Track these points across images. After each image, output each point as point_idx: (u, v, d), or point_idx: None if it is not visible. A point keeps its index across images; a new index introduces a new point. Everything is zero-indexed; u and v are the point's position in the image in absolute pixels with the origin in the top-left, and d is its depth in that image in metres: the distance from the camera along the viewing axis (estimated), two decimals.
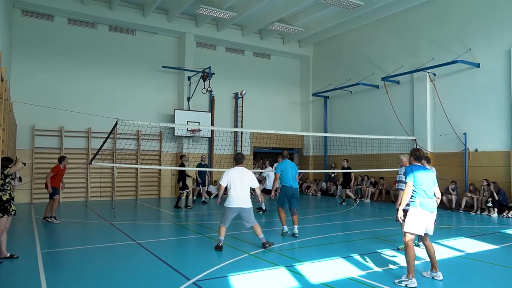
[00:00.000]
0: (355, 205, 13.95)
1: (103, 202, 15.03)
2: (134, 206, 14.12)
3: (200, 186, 14.56)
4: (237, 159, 7.42)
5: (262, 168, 17.77)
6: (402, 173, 6.94)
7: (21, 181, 6.96)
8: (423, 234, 5.35)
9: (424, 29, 15.09)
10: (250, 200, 7.25)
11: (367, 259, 6.44)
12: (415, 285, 5.08)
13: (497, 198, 11.68)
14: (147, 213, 12.40)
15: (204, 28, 17.47)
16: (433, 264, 5.47)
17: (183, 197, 13.30)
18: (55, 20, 15.30)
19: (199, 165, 14.18)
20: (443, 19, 14.45)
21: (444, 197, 13.29)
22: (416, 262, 6.35)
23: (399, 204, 5.64)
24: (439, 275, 5.36)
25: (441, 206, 13.29)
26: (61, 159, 10.53)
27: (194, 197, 15.11)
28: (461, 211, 12.59)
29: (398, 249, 7.11)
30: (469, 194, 12.61)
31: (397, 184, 7.09)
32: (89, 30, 15.95)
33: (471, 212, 12.29)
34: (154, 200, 15.73)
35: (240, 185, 7.09)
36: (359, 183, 16.63)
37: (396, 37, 16.25)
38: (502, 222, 10.62)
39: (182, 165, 12.99)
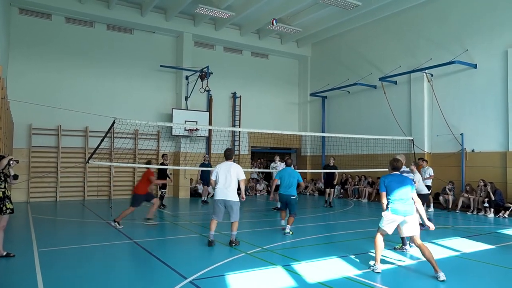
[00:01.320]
0: (326, 206, 13.45)
1: (100, 201, 15.00)
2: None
3: (205, 185, 14.40)
4: (226, 155, 7.70)
5: (261, 168, 17.81)
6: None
7: (16, 179, 6.87)
8: (390, 233, 5.88)
9: (422, 30, 15.14)
10: (236, 194, 7.38)
11: (364, 259, 6.45)
12: (379, 271, 5.67)
13: (493, 199, 11.73)
14: (145, 212, 12.37)
15: (202, 27, 17.45)
16: (432, 265, 5.48)
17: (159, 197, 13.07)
18: (53, 19, 15.26)
19: (202, 165, 14.12)
20: (441, 19, 14.50)
21: (441, 197, 13.35)
22: (412, 262, 6.38)
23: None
24: (440, 276, 5.36)
25: (438, 206, 13.36)
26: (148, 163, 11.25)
27: (205, 198, 14.56)
28: (457, 211, 12.64)
29: (394, 249, 7.13)
30: (466, 195, 12.66)
31: None
32: (87, 29, 15.91)
33: (467, 212, 12.34)
34: None
35: (224, 178, 7.30)
36: (356, 183, 16.67)
37: (394, 38, 16.29)
38: (498, 222, 10.67)
39: (163, 164, 12.93)
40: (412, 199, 5.85)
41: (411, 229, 5.74)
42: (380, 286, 5.11)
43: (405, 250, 7.03)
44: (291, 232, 8.42)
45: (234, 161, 7.79)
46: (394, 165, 6.09)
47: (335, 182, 13.91)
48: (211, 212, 7.56)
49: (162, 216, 11.58)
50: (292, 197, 8.69)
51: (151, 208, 9.77)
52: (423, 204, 9.69)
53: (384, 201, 5.87)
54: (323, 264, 6.15)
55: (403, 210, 5.70)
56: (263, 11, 16.46)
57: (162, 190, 13.35)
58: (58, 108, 13.48)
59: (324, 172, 13.62)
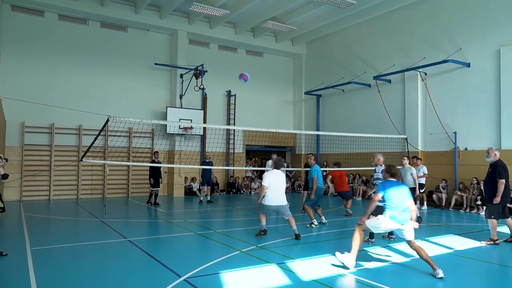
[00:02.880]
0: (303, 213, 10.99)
1: (94, 199, 14.93)
2: (125, 203, 14.05)
3: (205, 184, 13.97)
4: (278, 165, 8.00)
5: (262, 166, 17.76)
6: (380, 172, 7.38)
7: (5, 178, 6.73)
8: (375, 232, 6.17)
9: (416, 29, 15.21)
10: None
11: (358, 256, 6.47)
12: (349, 265, 5.71)
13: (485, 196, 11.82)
14: (139, 211, 12.35)
15: (197, 25, 17.40)
16: (430, 264, 5.53)
17: (153, 195, 13.16)
18: (46, 16, 15.12)
19: (203, 163, 14.01)
20: (435, 18, 14.58)
21: (434, 195, 13.45)
22: (406, 259, 6.42)
23: (366, 212, 6.05)
24: (438, 273, 5.40)
25: (431, 204, 13.46)
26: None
27: (202, 198, 14.36)
28: (450, 209, 12.74)
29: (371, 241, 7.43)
30: (459, 193, 12.76)
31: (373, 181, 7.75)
32: (80, 26, 15.79)
33: (460, 210, 12.44)
34: (145, 197, 15.63)
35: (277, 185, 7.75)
36: (350, 181, 16.73)
37: (388, 36, 16.36)
38: None
39: (153, 162, 12.84)
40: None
41: (407, 235, 5.73)
42: (374, 283, 5.14)
43: (371, 243, 7.45)
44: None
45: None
46: (392, 171, 6.12)
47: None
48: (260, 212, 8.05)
49: (157, 215, 11.55)
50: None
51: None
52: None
53: (375, 201, 5.88)
54: (317, 261, 6.17)
55: (401, 219, 5.70)
56: (258, 10, 16.44)
57: (153, 189, 13.13)
58: (51, 106, 13.39)
59: (305, 173, 12.57)
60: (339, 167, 12.02)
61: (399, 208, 5.71)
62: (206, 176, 13.87)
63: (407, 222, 5.74)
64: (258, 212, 8.17)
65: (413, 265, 6.10)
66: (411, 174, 10.29)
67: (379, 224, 5.81)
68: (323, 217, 9.64)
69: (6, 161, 6.66)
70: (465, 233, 8.73)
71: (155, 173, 13.05)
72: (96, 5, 15.26)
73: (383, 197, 5.82)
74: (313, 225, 9.10)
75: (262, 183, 7.88)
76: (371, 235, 7.42)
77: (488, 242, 7.53)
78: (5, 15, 14.37)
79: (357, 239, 5.84)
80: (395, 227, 5.75)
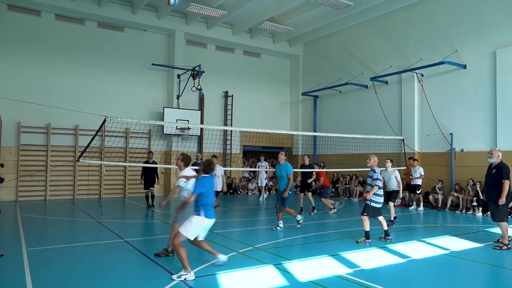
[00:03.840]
0: (312, 214, 11.69)
1: (91, 200, 14.88)
2: (122, 204, 14.01)
3: None
4: (187, 162, 6.53)
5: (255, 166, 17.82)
6: (379, 172, 7.71)
7: (1, 182, 6.81)
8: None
9: (413, 30, 15.27)
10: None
11: (355, 257, 6.50)
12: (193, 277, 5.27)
13: (482, 198, 11.87)
14: (135, 211, 12.31)
15: (194, 26, 17.39)
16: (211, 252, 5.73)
17: (149, 196, 12.81)
18: (42, 16, 15.07)
19: (194, 164, 14.02)
20: (431, 20, 14.64)
21: (431, 196, 13.49)
22: (402, 260, 6.43)
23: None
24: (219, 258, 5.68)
25: (428, 205, 13.50)
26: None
27: None
28: (447, 210, 12.78)
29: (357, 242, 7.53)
30: (455, 194, 12.81)
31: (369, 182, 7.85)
32: (77, 26, 15.75)
33: (456, 211, 12.49)
34: (142, 198, 15.58)
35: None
36: (347, 182, 16.76)
37: (385, 38, 16.41)
38: (486, 221, 10.81)
39: (147, 162, 12.73)
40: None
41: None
42: (370, 284, 5.15)
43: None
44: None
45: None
46: (207, 168, 5.68)
47: (308, 181, 12.01)
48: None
49: (153, 215, 11.53)
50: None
51: None
52: (394, 201, 10.23)
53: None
54: (314, 262, 6.18)
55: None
56: (255, 10, 16.46)
57: (145, 191, 12.89)
58: (47, 106, 13.34)
59: (301, 173, 12.20)
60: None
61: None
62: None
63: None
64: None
65: (410, 266, 6.13)
66: (396, 177, 10.24)
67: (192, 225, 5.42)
68: (281, 221, 8.86)
69: (2, 166, 6.67)
70: (461, 234, 8.76)
71: (147, 174, 12.86)
72: (93, 5, 15.22)
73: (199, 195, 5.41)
74: (300, 222, 9.00)
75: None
76: (367, 235, 7.44)
77: (503, 247, 7.24)
78: (1, 15, 14.30)
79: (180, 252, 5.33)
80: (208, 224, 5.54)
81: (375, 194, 7.58)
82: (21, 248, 6.86)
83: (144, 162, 12.83)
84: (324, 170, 13.15)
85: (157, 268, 5.82)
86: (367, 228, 7.50)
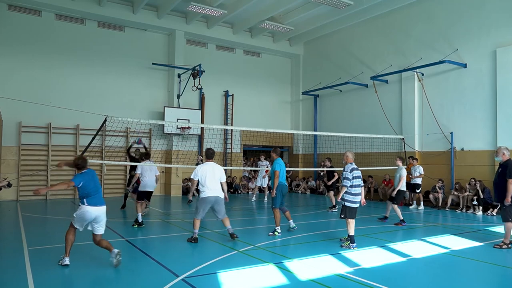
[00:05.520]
0: (328, 211, 12.22)
1: None
2: (123, 203, 14.01)
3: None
4: (208, 155, 7.82)
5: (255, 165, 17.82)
6: (349, 170, 7.23)
7: (10, 187, 7.01)
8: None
9: (413, 29, 15.27)
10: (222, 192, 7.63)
11: (355, 256, 6.52)
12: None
13: (482, 197, 11.90)
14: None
15: (195, 25, 17.40)
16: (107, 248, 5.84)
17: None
18: (43, 15, 15.08)
19: (198, 165, 13.99)
20: (431, 19, 14.64)
21: (431, 195, 13.51)
22: (402, 259, 6.44)
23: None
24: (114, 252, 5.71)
25: (428, 204, 13.52)
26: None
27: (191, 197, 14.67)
28: (447, 209, 12.80)
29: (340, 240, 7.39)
30: (455, 193, 12.82)
31: (342, 181, 7.43)
32: (78, 26, 15.76)
33: (457, 210, 12.51)
34: None
35: (211, 178, 7.46)
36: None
37: (385, 37, 16.41)
38: (487, 220, 10.84)
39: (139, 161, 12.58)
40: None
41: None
42: (370, 283, 5.17)
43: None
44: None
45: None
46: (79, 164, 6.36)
47: (329, 183, 12.91)
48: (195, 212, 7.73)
49: (155, 214, 11.54)
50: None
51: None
52: (395, 202, 9.88)
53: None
54: (315, 261, 6.20)
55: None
56: (256, 10, 16.47)
57: (127, 189, 12.69)
58: (48, 105, 13.36)
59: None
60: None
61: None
62: None
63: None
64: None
65: (410, 265, 6.14)
66: (400, 176, 10.14)
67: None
68: (291, 220, 8.62)
69: (10, 186, 6.93)
70: (461, 233, 8.78)
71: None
72: (93, 5, 15.23)
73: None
74: (276, 233, 8.12)
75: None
76: (351, 239, 7.09)
77: (503, 246, 7.22)
78: (2, 15, 14.32)
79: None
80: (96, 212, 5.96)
81: (348, 193, 7.17)
82: (23, 247, 6.88)
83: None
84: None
85: (158, 267, 5.84)
86: (352, 231, 7.11)
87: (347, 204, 7.24)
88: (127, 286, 5.10)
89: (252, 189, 18.56)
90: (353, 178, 7.24)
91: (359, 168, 7.52)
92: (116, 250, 5.71)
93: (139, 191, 9.54)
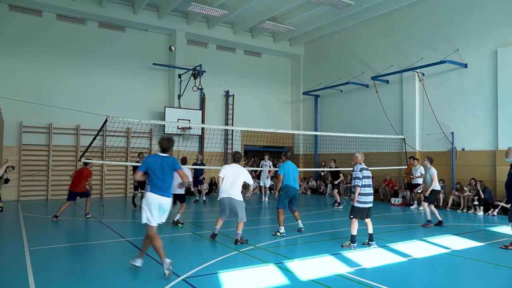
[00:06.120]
0: (334, 208, 12.93)
1: (92, 199, 14.79)
2: (123, 203, 14.04)
3: (198, 185, 14.38)
4: (235, 158, 7.89)
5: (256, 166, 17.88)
6: (358, 170, 7.14)
7: (6, 183, 6.92)
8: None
9: (414, 29, 15.26)
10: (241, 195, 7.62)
11: (356, 256, 6.51)
12: None
13: (483, 197, 11.89)
14: (137, 211, 12.33)
15: (195, 25, 17.41)
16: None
17: (136, 196, 12.66)
18: (44, 16, 15.10)
19: (194, 165, 14.09)
20: (432, 19, 14.63)
21: None
22: (403, 259, 6.44)
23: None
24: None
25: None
26: (86, 164, 10.48)
27: (197, 197, 14.70)
28: (448, 209, 12.78)
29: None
30: (456, 193, 12.81)
31: (353, 180, 7.36)
32: (79, 26, 15.77)
33: (457, 210, 12.49)
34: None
35: (231, 181, 7.46)
36: (348, 182, 16.76)
37: (386, 37, 16.41)
38: (487, 220, 10.83)
39: (138, 163, 12.60)
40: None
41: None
42: (371, 283, 5.16)
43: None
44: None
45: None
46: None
47: (335, 182, 13.68)
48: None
49: None
50: (298, 191, 8.69)
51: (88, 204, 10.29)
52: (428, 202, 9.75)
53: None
54: (315, 261, 6.20)
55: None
56: (256, 10, 16.47)
57: (135, 192, 12.70)
58: (49, 105, 13.37)
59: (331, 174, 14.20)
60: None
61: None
62: (196, 177, 14.24)
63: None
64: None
65: (411, 265, 6.14)
66: (430, 175, 10.05)
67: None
68: (299, 221, 8.64)
69: (13, 168, 6.80)
70: (462, 233, 8.77)
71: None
72: (94, 5, 15.24)
73: None
74: (278, 233, 8.12)
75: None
76: (353, 239, 7.07)
77: (509, 247, 7.17)
78: (3, 15, 14.34)
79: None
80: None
81: (359, 194, 7.08)
82: (24, 248, 6.88)
83: (136, 163, 12.85)
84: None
85: (159, 267, 5.84)
86: (354, 231, 7.07)
87: (356, 204, 7.12)
88: (127, 286, 5.10)
89: (253, 189, 18.58)
90: (363, 177, 7.14)
91: (369, 168, 7.41)
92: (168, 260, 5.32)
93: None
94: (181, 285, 5.00)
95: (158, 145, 5.75)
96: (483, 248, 7.38)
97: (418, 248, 7.22)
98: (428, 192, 9.71)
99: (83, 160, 10.50)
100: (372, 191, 7.26)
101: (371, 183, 7.30)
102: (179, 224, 9.29)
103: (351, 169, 7.50)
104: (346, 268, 5.83)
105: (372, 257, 6.55)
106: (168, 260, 5.29)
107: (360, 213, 7.18)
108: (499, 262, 6.42)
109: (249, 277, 5.44)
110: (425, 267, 6.14)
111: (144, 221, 5.58)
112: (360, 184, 7.08)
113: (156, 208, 5.53)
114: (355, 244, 7.04)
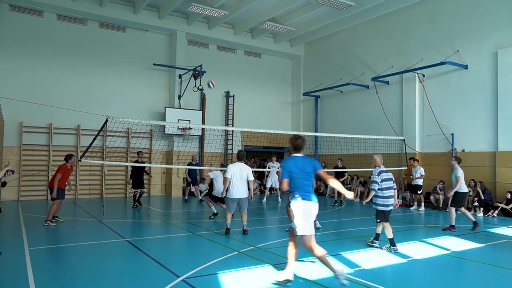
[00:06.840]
0: (335, 208, 13.15)
1: (92, 199, 14.92)
2: (123, 203, 14.04)
3: (191, 185, 14.76)
4: (239, 156, 8.55)
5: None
6: (376, 174, 7.16)
7: (3, 186, 6.97)
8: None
9: (414, 30, 15.27)
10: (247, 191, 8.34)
11: (356, 257, 6.52)
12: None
13: (483, 198, 11.89)
14: (137, 211, 12.34)
15: (196, 26, 17.42)
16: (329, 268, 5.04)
17: (137, 195, 12.78)
18: (44, 16, 15.11)
19: (189, 165, 14.23)
20: (432, 20, 14.64)
21: (432, 197, 13.49)
22: (403, 260, 6.44)
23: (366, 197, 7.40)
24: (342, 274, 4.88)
25: (429, 205, 13.50)
26: (68, 157, 9.69)
27: (186, 196, 15.24)
28: (447, 210, 12.75)
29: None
30: None
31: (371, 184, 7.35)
32: (79, 26, 15.79)
33: (458, 212, 12.46)
34: (144, 198, 15.65)
35: (240, 179, 8.16)
36: (348, 182, 16.75)
37: (386, 38, 16.42)
38: (487, 221, 10.82)
39: (137, 162, 12.65)
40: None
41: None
42: (371, 284, 5.16)
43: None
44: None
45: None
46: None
47: (340, 180, 13.78)
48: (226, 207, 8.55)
49: (155, 215, 11.55)
50: None
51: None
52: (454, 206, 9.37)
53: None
54: (315, 262, 6.19)
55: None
56: (257, 11, 16.49)
57: (135, 190, 12.74)
58: (49, 106, 13.38)
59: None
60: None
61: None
62: (192, 177, 14.51)
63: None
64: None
65: (411, 266, 6.14)
66: (456, 176, 9.47)
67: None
68: (317, 221, 8.53)
69: (13, 173, 6.81)
70: (462, 234, 8.77)
71: (137, 174, 12.80)
72: (95, 6, 15.26)
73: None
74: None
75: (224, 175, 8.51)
76: (392, 242, 7.01)
77: None
78: (4, 15, 14.35)
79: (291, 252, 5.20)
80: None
81: (379, 196, 7.13)
82: (23, 248, 6.89)
83: (134, 162, 12.90)
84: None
85: (159, 267, 5.85)
86: (390, 234, 7.00)
87: (379, 208, 7.18)
88: (127, 286, 5.10)
89: (253, 189, 18.56)
90: (382, 180, 7.14)
91: (388, 170, 7.41)
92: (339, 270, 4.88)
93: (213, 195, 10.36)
94: (181, 286, 5.00)
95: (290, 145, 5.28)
96: (483, 250, 7.38)
97: (417, 249, 7.22)
98: (452, 193, 9.31)
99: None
100: (392, 193, 7.21)
101: (393, 185, 7.24)
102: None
103: (353, 170, 7.57)
104: (346, 269, 5.82)
105: (371, 258, 6.55)
106: (341, 271, 4.88)
107: (385, 216, 7.18)
108: (499, 263, 6.42)
109: (249, 277, 5.44)
110: (425, 268, 6.14)
111: (301, 232, 5.07)
112: (376, 188, 7.13)
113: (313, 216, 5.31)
114: (395, 247, 6.94)
